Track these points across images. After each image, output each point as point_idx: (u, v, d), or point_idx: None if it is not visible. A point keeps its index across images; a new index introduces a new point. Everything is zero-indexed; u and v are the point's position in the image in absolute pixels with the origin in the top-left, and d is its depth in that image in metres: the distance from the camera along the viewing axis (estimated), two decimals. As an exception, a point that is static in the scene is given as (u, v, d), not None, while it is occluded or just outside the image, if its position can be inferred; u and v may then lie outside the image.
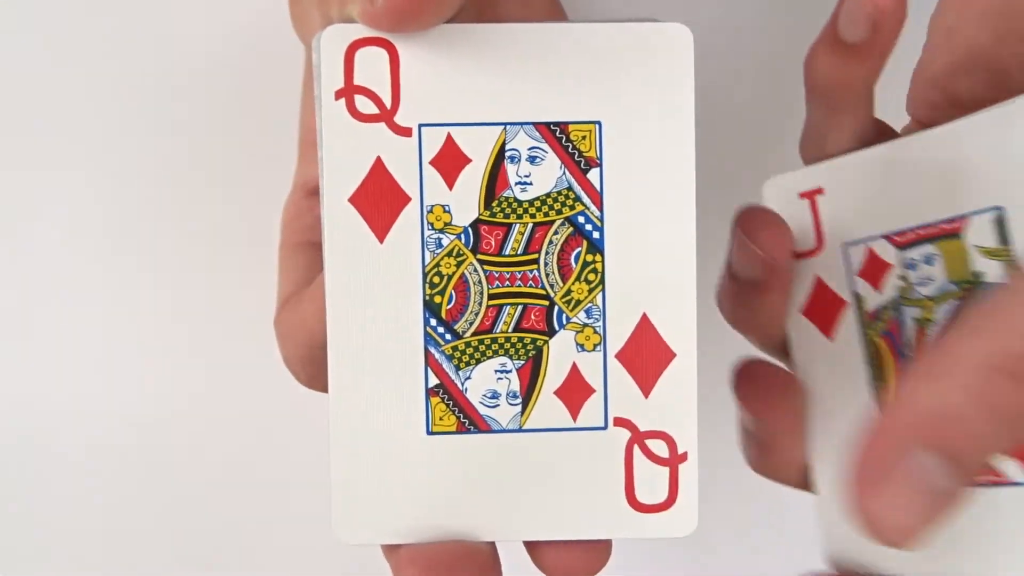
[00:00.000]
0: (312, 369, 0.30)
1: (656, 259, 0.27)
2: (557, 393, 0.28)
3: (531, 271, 0.27)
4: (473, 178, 0.27)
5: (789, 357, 0.32)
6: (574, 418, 0.28)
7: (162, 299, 0.40)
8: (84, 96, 0.39)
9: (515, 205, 0.27)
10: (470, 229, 0.27)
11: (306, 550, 0.40)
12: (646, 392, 0.27)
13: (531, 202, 0.27)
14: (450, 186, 0.27)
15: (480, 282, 0.27)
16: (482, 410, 0.27)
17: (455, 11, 0.26)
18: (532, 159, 0.27)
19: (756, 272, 0.30)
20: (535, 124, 0.27)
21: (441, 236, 0.27)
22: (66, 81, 0.39)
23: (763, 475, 0.32)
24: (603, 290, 0.27)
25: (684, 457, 0.28)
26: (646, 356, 0.27)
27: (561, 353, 0.28)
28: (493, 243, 0.27)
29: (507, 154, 0.27)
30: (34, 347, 0.40)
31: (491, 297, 0.27)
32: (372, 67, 0.27)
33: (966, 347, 0.24)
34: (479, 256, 0.27)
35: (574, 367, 0.28)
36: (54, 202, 0.39)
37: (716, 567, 0.41)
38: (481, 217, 0.27)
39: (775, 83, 0.39)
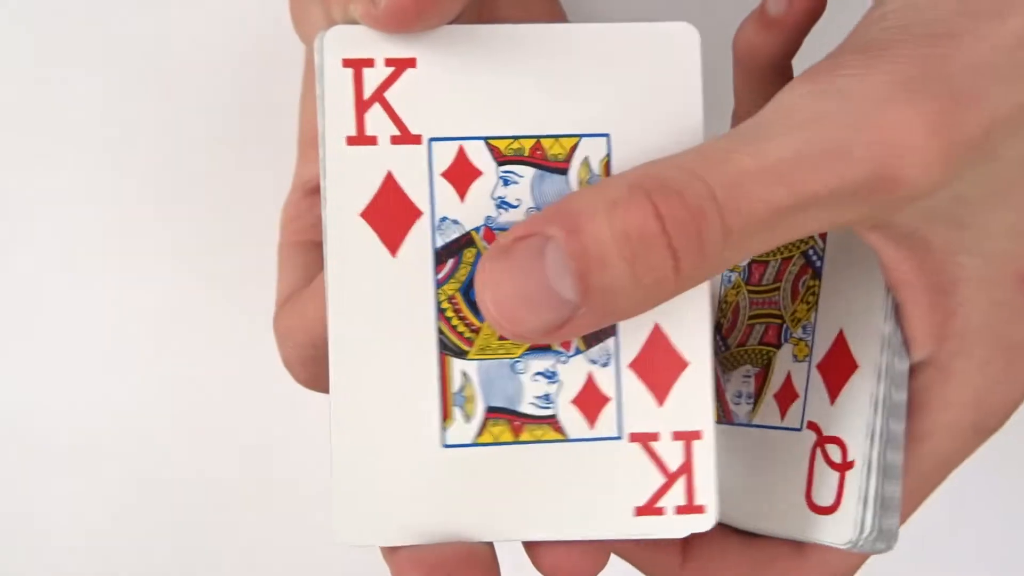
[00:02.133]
0: (312, 369, 0.30)
1: None
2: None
3: None
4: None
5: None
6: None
7: (161, 298, 0.39)
8: (83, 96, 0.39)
9: None
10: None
11: (305, 551, 0.40)
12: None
13: None
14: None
15: None
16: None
17: (458, 12, 0.26)
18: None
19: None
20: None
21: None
22: (66, 81, 0.39)
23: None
24: None
25: (851, 464, 0.28)
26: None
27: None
28: None
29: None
30: (32, 347, 0.40)
31: None
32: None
33: (625, 173, 0.24)
34: None
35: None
36: (53, 202, 0.39)
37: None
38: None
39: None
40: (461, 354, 0.27)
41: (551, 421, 0.27)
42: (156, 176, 0.39)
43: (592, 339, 0.27)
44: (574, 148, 0.27)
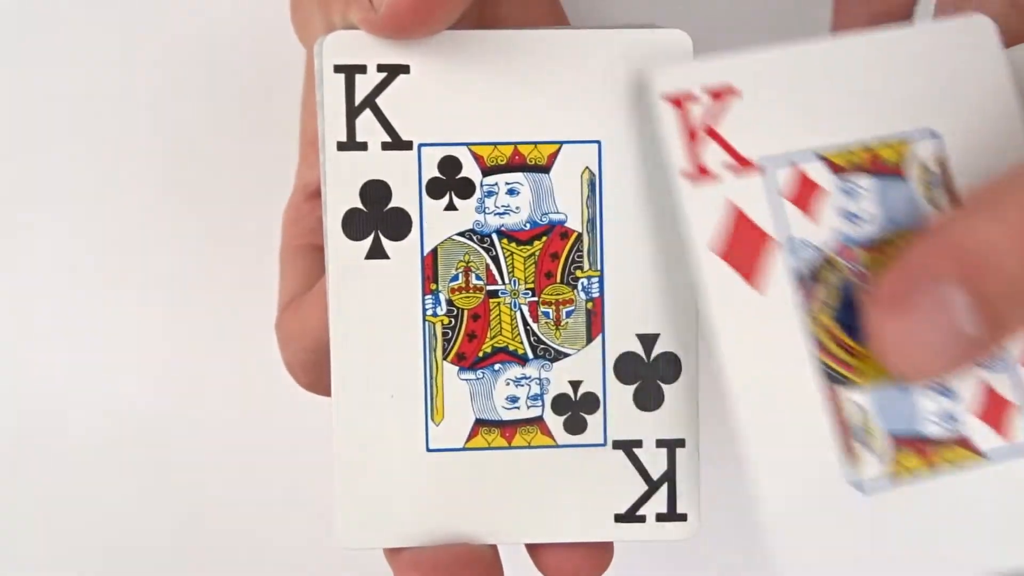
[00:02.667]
0: (314, 373, 0.30)
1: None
2: None
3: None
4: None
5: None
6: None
7: (162, 302, 0.39)
8: (84, 98, 0.39)
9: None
10: None
11: (308, 554, 0.40)
12: None
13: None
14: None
15: None
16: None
17: (456, 18, 0.26)
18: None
19: None
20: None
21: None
22: (67, 84, 0.39)
23: None
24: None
25: None
26: None
27: None
28: None
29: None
30: (34, 350, 0.40)
31: None
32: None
33: (1012, 185, 0.23)
34: None
35: None
36: (54, 205, 0.39)
37: (717, 570, 0.41)
38: None
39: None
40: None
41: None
42: (157, 178, 0.39)
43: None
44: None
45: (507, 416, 0.28)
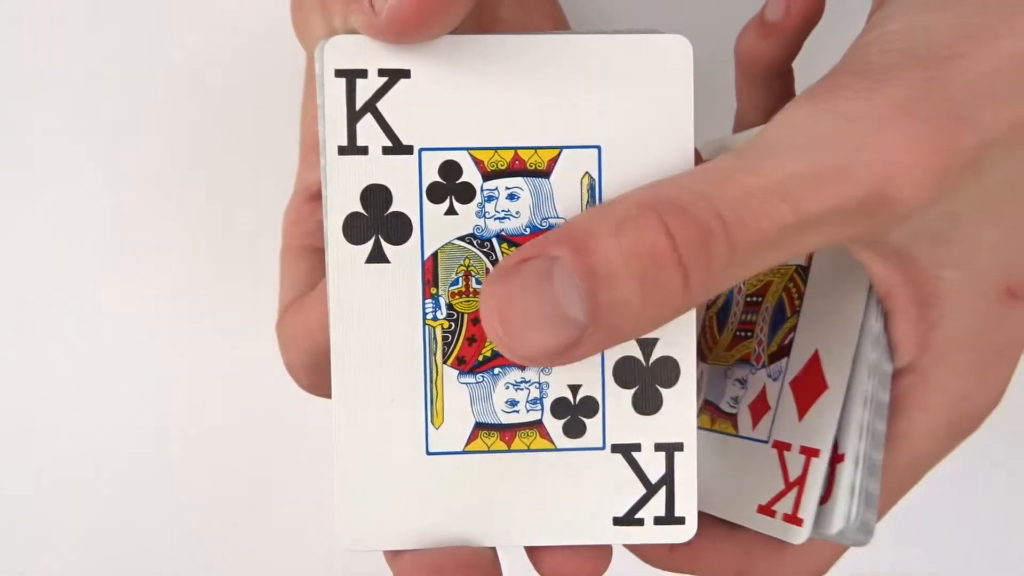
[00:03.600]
0: (315, 375, 0.30)
1: None
2: None
3: None
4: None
5: None
6: None
7: (163, 303, 0.40)
8: (85, 100, 0.39)
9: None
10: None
11: (308, 556, 0.40)
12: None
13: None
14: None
15: None
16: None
17: (459, 22, 0.26)
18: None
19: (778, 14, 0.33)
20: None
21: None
22: (68, 86, 0.39)
23: None
24: None
25: (842, 457, 0.28)
26: None
27: None
28: None
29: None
30: (34, 352, 0.40)
31: None
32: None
33: (629, 194, 0.24)
34: None
35: None
36: (56, 207, 0.39)
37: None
38: None
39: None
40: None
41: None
42: (157, 180, 0.39)
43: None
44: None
45: (506, 420, 0.28)
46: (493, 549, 0.28)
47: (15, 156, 0.39)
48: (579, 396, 0.28)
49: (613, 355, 0.28)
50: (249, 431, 0.40)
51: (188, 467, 0.40)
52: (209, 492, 0.41)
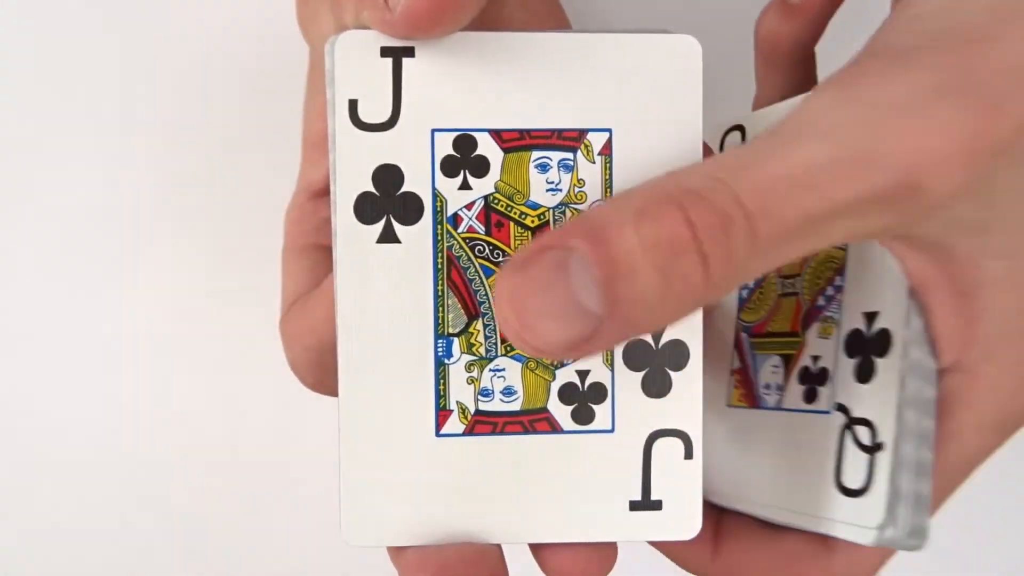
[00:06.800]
0: (319, 372, 0.30)
1: None
2: None
3: None
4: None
5: None
6: None
7: (166, 302, 0.39)
8: (86, 98, 0.39)
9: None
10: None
11: (313, 552, 0.40)
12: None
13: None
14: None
15: None
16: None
17: (471, 19, 0.26)
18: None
19: None
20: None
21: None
22: (70, 84, 0.39)
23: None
24: None
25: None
26: None
27: None
28: None
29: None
30: (35, 352, 0.40)
31: None
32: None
33: (648, 183, 0.23)
34: None
35: None
36: (56, 207, 0.39)
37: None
38: None
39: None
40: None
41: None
42: (160, 178, 0.39)
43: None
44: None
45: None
46: (499, 546, 0.28)
47: (15, 156, 0.39)
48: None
49: None
50: (251, 431, 0.40)
51: (190, 467, 0.40)
52: (210, 493, 0.40)
